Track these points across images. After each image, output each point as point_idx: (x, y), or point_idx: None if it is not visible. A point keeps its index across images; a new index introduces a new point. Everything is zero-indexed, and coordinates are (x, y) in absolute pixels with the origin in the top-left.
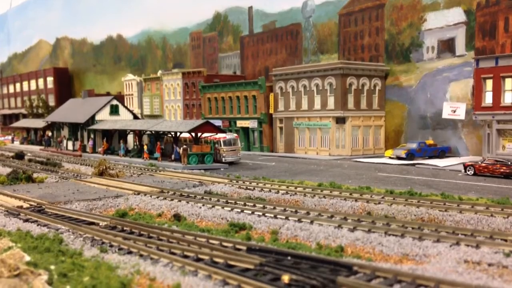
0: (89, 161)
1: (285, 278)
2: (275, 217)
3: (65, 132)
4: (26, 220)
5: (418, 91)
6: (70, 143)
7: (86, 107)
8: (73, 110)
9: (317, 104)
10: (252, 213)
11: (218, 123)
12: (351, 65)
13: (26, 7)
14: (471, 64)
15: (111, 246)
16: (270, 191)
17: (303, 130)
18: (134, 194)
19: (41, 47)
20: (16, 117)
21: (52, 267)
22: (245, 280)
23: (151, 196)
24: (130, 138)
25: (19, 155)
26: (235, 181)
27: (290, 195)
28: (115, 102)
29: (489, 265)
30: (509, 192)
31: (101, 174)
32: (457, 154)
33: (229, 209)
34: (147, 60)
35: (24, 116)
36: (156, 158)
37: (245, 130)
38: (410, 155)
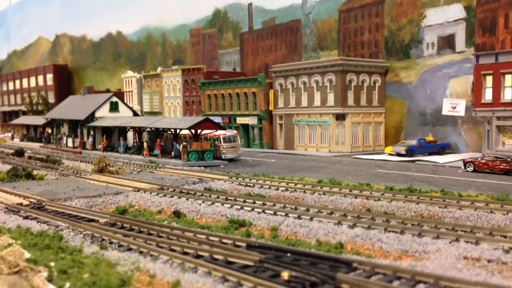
0: (89, 158)
1: (285, 274)
2: (275, 213)
3: (64, 129)
4: (26, 217)
5: (418, 87)
6: (70, 140)
7: (85, 104)
8: (72, 107)
9: (317, 101)
10: (252, 210)
11: (218, 120)
12: (351, 62)
13: (25, 4)
14: (471, 61)
15: (111, 243)
16: (270, 188)
17: (303, 126)
18: (134, 191)
19: (41, 44)
20: (16, 114)
21: (52, 264)
22: (244, 276)
23: (151, 193)
24: (130, 135)
25: (19, 152)
26: (235, 178)
27: (290, 192)
28: (114, 99)
29: (489, 261)
30: (509, 188)
31: (101, 171)
32: (457, 151)
33: (229, 206)
34: (146, 57)
35: (24, 113)
36: (156, 155)
37: (245, 127)
38: (410, 151)
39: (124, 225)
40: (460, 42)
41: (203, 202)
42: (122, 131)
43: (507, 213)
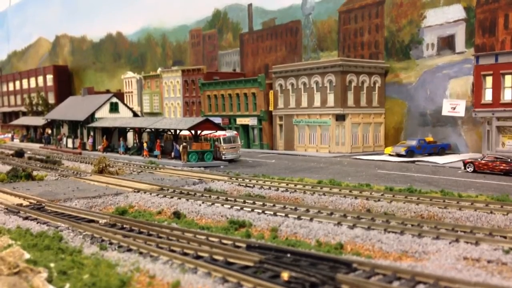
0: (88, 159)
1: (285, 275)
2: (275, 214)
3: (64, 130)
4: (26, 218)
5: (418, 88)
6: (70, 141)
7: (85, 105)
8: (72, 108)
9: (317, 101)
10: (252, 210)
11: (217, 120)
12: (351, 62)
13: (26, 5)
14: (471, 61)
15: (111, 243)
16: (269, 188)
17: (302, 127)
18: (134, 191)
19: (41, 45)
20: (16, 115)
21: (52, 264)
22: (244, 277)
23: (150, 193)
24: (130, 135)
25: (19, 153)
26: (234, 179)
27: (290, 193)
28: (114, 99)
29: (489, 262)
30: (509, 189)
31: (100, 171)
32: (456, 151)
33: (229, 206)
34: (146, 57)
35: (24, 114)
36: (156, 156)
37: (245, 127)
38: (410, 152)
39: (124, 225)
40: (460, 42)
41: (203, 202)
42: (122, 131)
43: (507, 214)
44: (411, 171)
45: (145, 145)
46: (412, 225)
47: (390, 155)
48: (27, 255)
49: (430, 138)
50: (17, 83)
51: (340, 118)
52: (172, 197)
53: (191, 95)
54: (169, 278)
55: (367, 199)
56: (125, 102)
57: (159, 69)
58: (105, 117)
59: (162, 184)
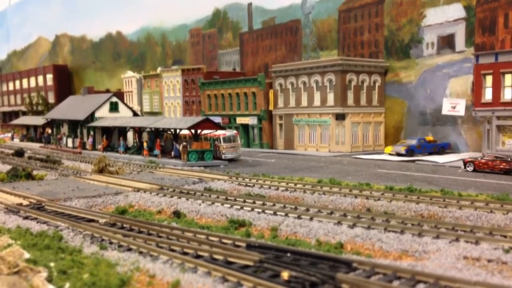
0: (88, 158)
1: (285, 274)
2: (275, 213)
3: (64, 129)
4: (26, 217)
5: (418, 87)
6: (69, 140)
7: (85, 104)
8: (72, 107)
9: (317, 101)
10: (252, 210)
11: (217, 120)
12: (351, 62)
13: (25, 4)
14: (471, 60)
15: (111, 243)
16: (269, 187)
17: (302, 126)
18: (134, 191)
19: (41, 44)
20: (15, 114)
21: (52, 264)
22: (244, 276)
23: (150, 193)
24: (130, 135)
25: (19, 153)
26: (234, 178)
27: (290, 192)
28: (114, 99)
29: (489, 261)
30: (509, 188)
31: (100, 171)
32: (456, 151)
33: (229, 206)
34: (146, 57)
35: (24, 113)
36: (155, 155)
37: (245, 127)
38: (410, 151)
39: (124, 225)
40: (460, 41)
41: (203, 202)
42: (122, 131)
43: (507, 213)
44: (411, 170)
45: (145, 144)
46: (412, 225)
47: (390, 154)
48: (27, 255)
49: (430, 137)
50: (17, 82)
51: (340, 117)
52: (172, 197)
53: (191, 95)
54: (169, 277)
55: (367, 199)
56: (125, 101)
57: (159, 69)
58: (105, 117)
59: (162, 183)
